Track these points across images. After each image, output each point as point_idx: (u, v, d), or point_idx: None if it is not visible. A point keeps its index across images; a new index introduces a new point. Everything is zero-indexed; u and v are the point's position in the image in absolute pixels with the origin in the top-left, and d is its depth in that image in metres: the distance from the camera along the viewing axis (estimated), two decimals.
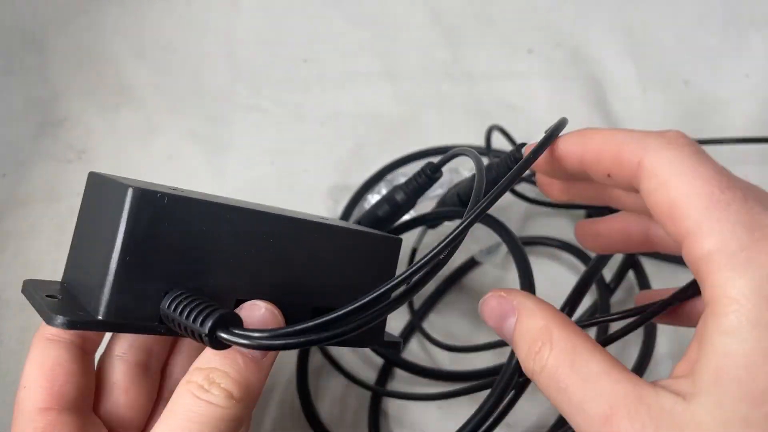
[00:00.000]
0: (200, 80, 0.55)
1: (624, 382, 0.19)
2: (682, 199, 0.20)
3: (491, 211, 0.25)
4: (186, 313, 0.21)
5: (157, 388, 0.29)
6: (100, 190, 0.24)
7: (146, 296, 0.22)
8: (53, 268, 0.40)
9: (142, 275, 0.22)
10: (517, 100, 0.55)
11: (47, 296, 0.24)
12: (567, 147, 0.25)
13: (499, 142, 0.48)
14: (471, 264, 0.45)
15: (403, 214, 0.34)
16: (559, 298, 0.32)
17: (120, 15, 0.57)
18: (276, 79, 0.56)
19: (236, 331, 0.21)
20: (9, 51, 0.54)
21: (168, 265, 0.22)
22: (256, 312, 0.23)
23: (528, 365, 0.22)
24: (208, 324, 0.21)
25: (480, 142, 0.49)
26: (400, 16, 0.59)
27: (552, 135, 0.25)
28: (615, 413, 0.19)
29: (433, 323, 0.44)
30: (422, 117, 0.54)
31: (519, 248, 0.31)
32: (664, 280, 0.44)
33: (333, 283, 0.26)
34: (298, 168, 0.50)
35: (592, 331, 0.41)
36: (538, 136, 0.50)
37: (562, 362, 0.21)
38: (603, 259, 0.34)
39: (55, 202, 0.47)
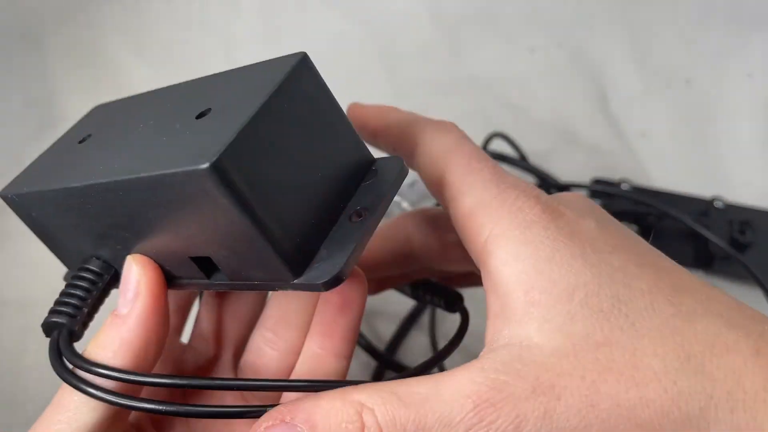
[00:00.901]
0: None
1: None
2: (446, 169, 0.23)
3: None
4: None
5: None
6: None
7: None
8: (53, 269, 0.40)
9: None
10: (519, 100, 0.55)
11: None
12: (368, 120, 0.29)
13: (498, 146, 0.48)
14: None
15: None
16: None
17: (119, 14, 0.57)
18: None
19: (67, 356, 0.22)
20: (7, 50, 0.54)
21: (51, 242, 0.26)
22: (126, 271, 0.23)
23: None
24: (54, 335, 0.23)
25: (480, 141, 0.49)
26: (400, 16, 0.59)
27: None
28: None
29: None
30: None
31: None
32: None
33: (192, 233, 0.22)
34: None
35: None
36: (538, 136, 0.50)
37: None
38: None
39: None
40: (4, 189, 0.25)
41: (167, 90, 0.25)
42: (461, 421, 0.18)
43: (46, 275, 0.43)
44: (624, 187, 0.47)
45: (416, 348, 0.43)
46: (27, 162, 0.36)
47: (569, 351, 0.19)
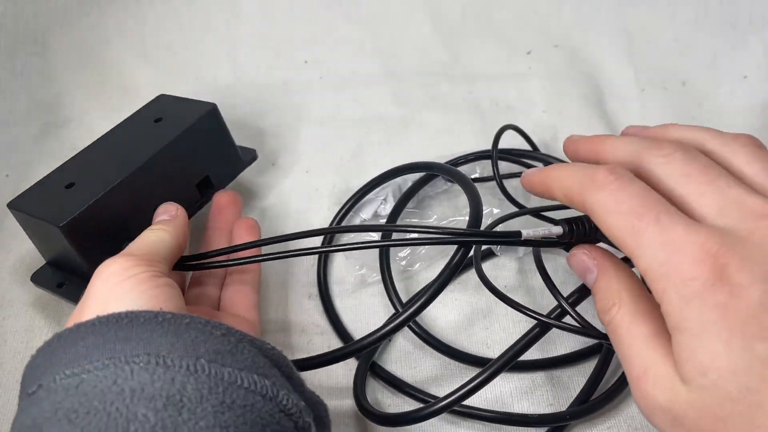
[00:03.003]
0: (202, 81, 0.55)
1: (658, 349, 0.25)
2: (616, 234, 0.25)
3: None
4: None
5: None
6: None
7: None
8: None
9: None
10: (516, 101, 0.55)
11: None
12: (533, 184, 0.31)
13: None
14: (487, 254, 0.45)
15: None
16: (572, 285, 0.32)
17: (122, 17, 0.58)
18: (277, 80, 0.56)
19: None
20: (12, 52, 0.55)
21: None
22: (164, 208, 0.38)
23: (601, 316, 0.28)
24: None
25: (479, 142, 0.49)
26: (400, 17, 0.60)
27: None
28: (644, 376, 0.24)
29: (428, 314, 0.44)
30: (422, 117, 0.54)
31: (473, 189, 0.36)
32: None
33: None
34: (299, 168, 0.51)
35: None
36: (534, 137, 0.50)
37: (622, 322, 0.26)
38: None
39: None
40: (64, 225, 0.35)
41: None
42: None
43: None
44: None
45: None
46: (32, 162, 0.37)
47: (691, 413, 0.22)
